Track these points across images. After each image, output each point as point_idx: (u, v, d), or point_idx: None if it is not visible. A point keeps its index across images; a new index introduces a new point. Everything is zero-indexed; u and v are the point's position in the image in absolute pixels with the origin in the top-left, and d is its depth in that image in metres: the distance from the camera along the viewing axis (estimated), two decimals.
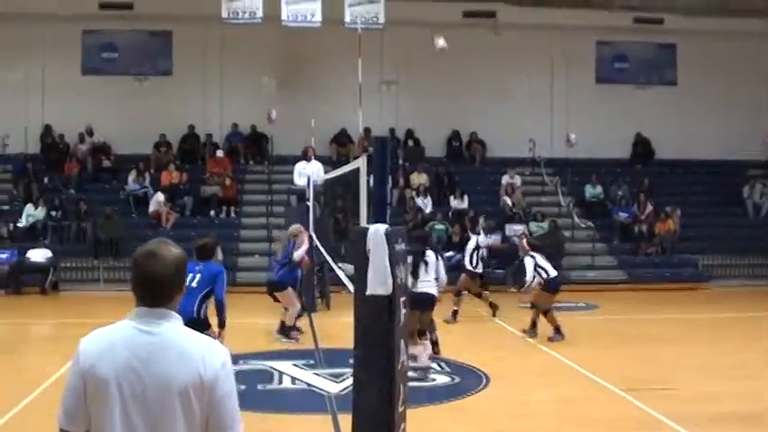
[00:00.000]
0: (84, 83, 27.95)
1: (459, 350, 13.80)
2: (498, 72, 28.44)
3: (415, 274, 11.79)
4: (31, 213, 24.61)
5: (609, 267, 24.90)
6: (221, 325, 9.89)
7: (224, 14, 25.17)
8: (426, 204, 25.97)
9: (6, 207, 25.43)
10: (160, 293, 3.39)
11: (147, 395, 3.28)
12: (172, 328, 3.39)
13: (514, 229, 24.97)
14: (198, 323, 9.19)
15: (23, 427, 9.54)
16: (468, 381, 11.79)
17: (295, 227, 15.60)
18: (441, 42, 22.42)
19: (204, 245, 10.32)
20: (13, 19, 26.67)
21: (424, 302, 12.01)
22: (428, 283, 12.14)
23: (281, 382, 11.74)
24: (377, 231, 6.04)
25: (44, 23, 27.02)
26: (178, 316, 3.44)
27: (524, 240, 16.97)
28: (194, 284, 9.64)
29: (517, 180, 27.20)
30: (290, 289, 14.73)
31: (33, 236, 24.11)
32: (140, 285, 3.41)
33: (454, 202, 26.35)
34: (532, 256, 15.61)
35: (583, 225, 26.30)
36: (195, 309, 9.56)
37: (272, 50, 27.83)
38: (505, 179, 27.09)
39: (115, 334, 3.39)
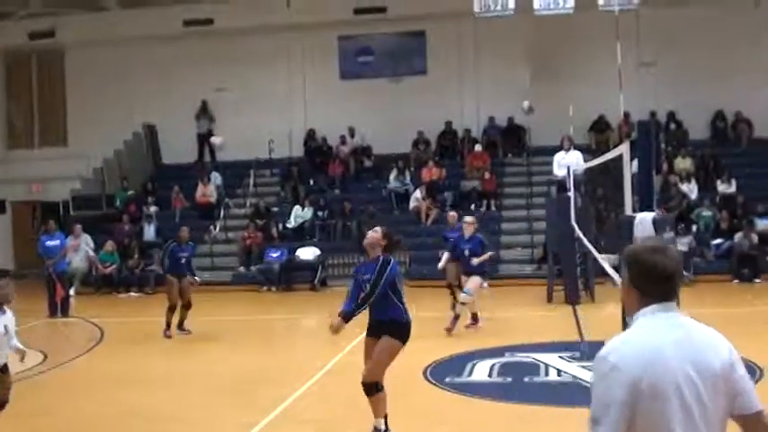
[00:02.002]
0: (342, 87, 29.03)
1: (732, 341, 13.11)
2: (762, 45, 26.84)
3: None
4: (299, 214, 25.84)
5: None
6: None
7: (476, 9, 25.44)
8: (692, 190, 24.96)
9: (275, 209, 26.85)
10: (675, 288, 3.43)
11: (700, 390, 3.27)
12: (687, 320, 3.42)
13: None
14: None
15: (301, 414, 10.03)
16: None
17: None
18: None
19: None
20: (274, 31, 28.09)
21: None
22: None
23: (547, 374, 11.64)
24: (644, 219, 5.86)
25: (302, 32, 28.31)
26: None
27: None
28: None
29: None
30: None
31: (301, 235, 25.34)
32: (658, 281, 3.40)
33: (721, 187, 25.14)
34: None
35: None
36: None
37: (525, 41, 27.69)
38: None
39: (652, 337, 3.34)
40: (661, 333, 3.32)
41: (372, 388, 8.47)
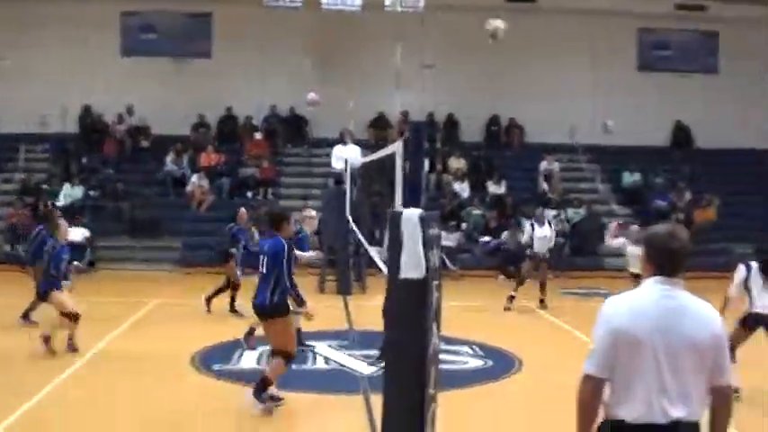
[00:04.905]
0: (123, 64, 28.17)
1: (493, 334, 13.80)
2: (538, 57, 28.27)
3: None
4: (69, 192, 24.91)
5: None
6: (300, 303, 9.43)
7: None
8: (463, 189, 25.95)
9: (45, 186, 25.70)
10: (679, 266, 4.21)
11: (674, 350, 4.05)
12: (686, 294, 4.19)
13: (550, 214, 24.99)
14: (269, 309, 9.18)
15: (66, 396, 9.77)
16: (500, 365, 11.79)
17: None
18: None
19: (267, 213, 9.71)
20: (54, 0, 26.95)
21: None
22: None
23: (315, 362, 11.82)
24: (411, 215, 6.07)
25: (83, 3, 27.26)
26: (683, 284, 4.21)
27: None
28: (263, 270, 9.24)
29: (555, 166, 27.09)
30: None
31: (71, 215, 24.41)
32: (663, 258, 4.21)
33: (492, 188, 26.29)
34: None
35: (620, 212, 26.16)
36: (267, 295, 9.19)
37: (311, 33, 27.85)
38: (543, 165, 27.00)
39: (643, 298, 4.19)
40: (652, 298, 4.16)
41: None
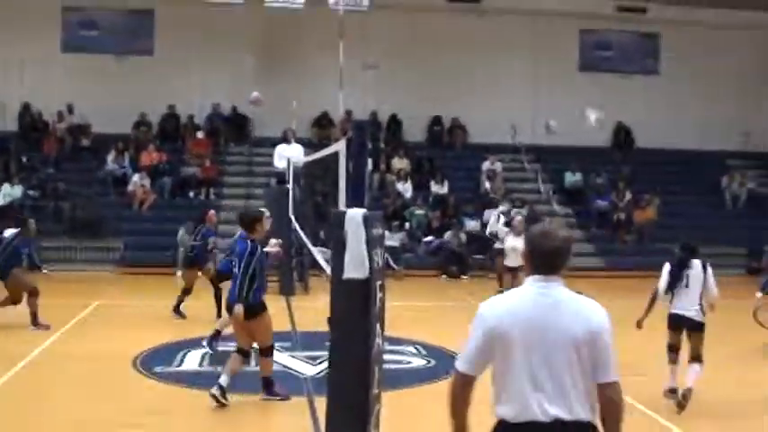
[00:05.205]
0: (63, 60, 27.69)
1: (436, 334, 13.83)
2: (481, 58, 28.42)
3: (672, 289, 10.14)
4: (8, 192, 24.43)
5: (586, 254, 24.89)
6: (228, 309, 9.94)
7: None
8: (406, 189, 26.00)
9: None
10: (555, 264, 4.22)
11: (550, 347, 4.04)
12: (563, 291, 4.20)
13: (494, 214, 25.16)
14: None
15: (3, 402, 9.58)
16: (443, 364, 11.81)
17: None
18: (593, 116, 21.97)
19: (240, 215, 10.29)
20: None
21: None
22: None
23: (258, 363, 11.71)
24: (354, 215, 6.05)
25: None
26: (563, 281, 4.24)
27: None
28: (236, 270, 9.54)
29: (498, 166, 27.25)
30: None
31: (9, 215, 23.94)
32: (540, 258, 4.23)
33: (435, 188, 26.39)
34: None
35: (561, 212, 26.40)
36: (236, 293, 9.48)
37: (254, 31, 27.70)
38: (486, 165, 27.15)
39: (520, 297, 4.22)
40: (529, 296, 4.18)
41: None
